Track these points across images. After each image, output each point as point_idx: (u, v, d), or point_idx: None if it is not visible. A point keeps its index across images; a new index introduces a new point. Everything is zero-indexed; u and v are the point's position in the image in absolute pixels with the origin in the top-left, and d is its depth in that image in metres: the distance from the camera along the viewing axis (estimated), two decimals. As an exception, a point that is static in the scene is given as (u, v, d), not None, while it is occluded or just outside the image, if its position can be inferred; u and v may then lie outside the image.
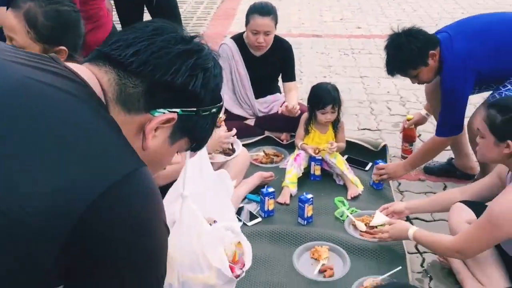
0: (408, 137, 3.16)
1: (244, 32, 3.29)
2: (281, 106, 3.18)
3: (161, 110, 0.89)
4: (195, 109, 0.92)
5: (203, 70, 0.92)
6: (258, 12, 3.10)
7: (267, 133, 3.35)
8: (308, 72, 4.84)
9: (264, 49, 3.23)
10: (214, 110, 0.97)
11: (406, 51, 2.50)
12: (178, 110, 0.90)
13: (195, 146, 1.02)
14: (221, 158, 2.63)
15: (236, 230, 1.70)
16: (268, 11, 3.13)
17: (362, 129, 3.67)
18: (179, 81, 0.89)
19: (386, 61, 2.63)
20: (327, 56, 5.35)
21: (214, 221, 1.82)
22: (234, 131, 2.64)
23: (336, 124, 2.96)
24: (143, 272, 0.81)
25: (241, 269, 1.59)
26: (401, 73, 2.63)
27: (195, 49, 0.93)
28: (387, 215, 2.43)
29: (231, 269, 1.57)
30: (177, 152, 0.99)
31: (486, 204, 2.07)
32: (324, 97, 2.86)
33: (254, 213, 2.58)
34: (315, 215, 2.56)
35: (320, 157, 2.87)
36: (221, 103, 1.01)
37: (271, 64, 3.31)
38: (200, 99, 0.93)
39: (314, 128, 2.93)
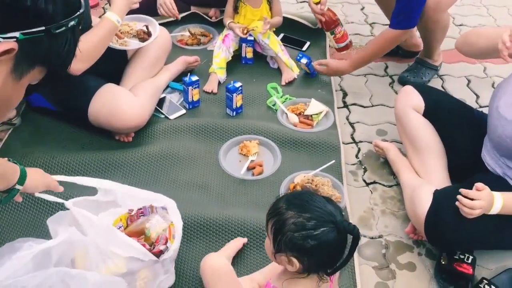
0: (328, 23, 2.41)
1: None
2: None
3: None
4: (43, 28, 0.71)
5: None
6: None
7: (193, 9, 2.96)
8: None
9: None
10: (72, 23, 0.77)
11: None
12: (16, 34, 0.69)
13: (55, 72, 0.83)
14: (134, 44, 2.26)
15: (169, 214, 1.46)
16: None
17: (301, 2, 3.32)
18: None
19: None
20: None
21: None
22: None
23: None
24: None
25: (165, 244, 1.35)
26: None
27: None
28: None
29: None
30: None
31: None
32: None
33: (178, 104, 2.32)
34: (246, 105, 2.33)
35: (252, 38, 2.56)
36: (81, 11, 0.79)
37: None
38: (49, 15, 0.71)
39: (244, 2, 2.56)
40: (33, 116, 2.18)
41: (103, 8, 3.23)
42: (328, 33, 2.43)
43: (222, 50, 2.50)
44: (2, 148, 2.02)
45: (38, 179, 1.32)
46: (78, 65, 1.90)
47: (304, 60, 2.48)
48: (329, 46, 2.73)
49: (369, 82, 2.60)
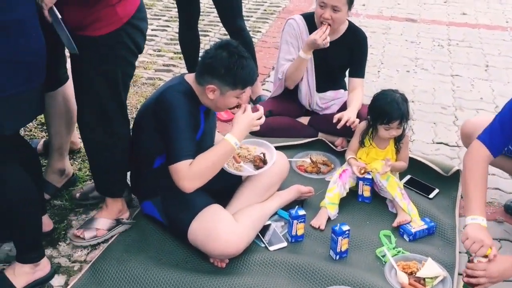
0: None
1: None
2: (337, 113, 2.74)
3: None
4: None
5: None
6: None
7: (320, 136, 2.99)
8: (390, 64, 4.32)
9: (334, 33, 2.83)
10: None
11: None
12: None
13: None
14: (248, 171, 2.31)
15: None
16: None
17: (437, 143, 3.16)
18: None
19: None
20: (417, 46, 4.76)
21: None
22: (261, 110, 2.21)
23: (399, 140, 2.52)
24: None
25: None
26: None
27: None
28: None
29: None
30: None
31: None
32: (390, 111, 2.40)
33: (281, 235, 2.26)
34: (352, 249, 2.19)
35: (370, 176, 2.46)
36: None
37: (340, 53, 2.91)
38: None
39: (371, 141, 2.51)
40: (143, 222, 2.29)
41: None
42: None
43: (337, 185, 2.43)
44: (106, 250, 2.14)
45: None
46: (191, 184, 1.99)
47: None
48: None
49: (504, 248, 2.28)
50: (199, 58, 2.13)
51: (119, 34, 1.94)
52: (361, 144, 2.54)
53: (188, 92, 2.08)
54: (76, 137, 2.79)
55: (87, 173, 2.65)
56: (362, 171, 2.44)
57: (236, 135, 2.10)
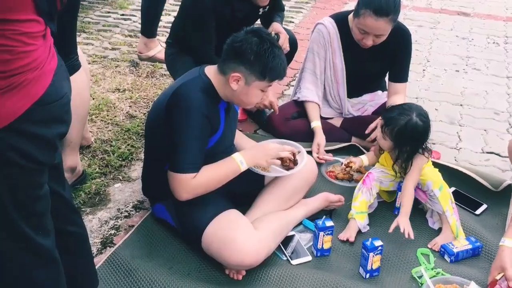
0: None
1: (350, 12, 2.84)
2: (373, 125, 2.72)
3: None
4: None
5: None
6: (373, 11, 2.57)
7: (353, 141, 2.94)
8: (437, 62, 4.23)
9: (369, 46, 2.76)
10: None
11: None
12: None
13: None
14: (277, 171, 2.28)
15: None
16: (387, 11, 2.57)
17: (488, 153, 3.07)
18: None
19: None
20: (469, 42, 4.65)
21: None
22: (296, 151, 2.28)
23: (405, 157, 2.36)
24: None
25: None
26: None
27: None
28: None
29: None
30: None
31: None
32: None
33: (305, 247, 2.23)
34: (385, 267, 2.14)
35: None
36: None
37: (380, 58, 2.84)
38: None
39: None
40: (153, 226, 2.29)
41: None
42: None
43: (362, 192, 2.38)
44: (113, 254, 2.15)
45: None
46: (188, 196, 2.02)
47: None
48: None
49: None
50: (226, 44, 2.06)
51: None
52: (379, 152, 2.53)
53: (207, 87, 2.06)
54: (87, 132, 2.83)
55: (96, 169, 2.68)
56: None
57: (246, 158, 2.09)
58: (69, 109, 1.44)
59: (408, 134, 2.31)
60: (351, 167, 2.59)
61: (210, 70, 2.10)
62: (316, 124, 2.85)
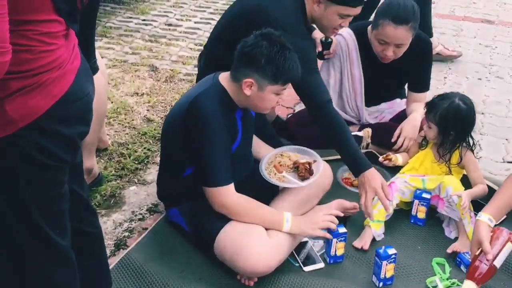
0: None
1: (370, 24, 2.82)
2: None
3: None
4: None
5: None
6: (392, 19, 2.56)
7: (371, 147, 2.92)
8: (459, 70, 4.19)
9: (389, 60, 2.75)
10: None
11: None
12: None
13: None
14: (294, 181, 2.26)
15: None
16: (406, 18, 2.56)
17: (509, 162, 3.03)
18: None
19: None
20: (492, 50, 4.60)
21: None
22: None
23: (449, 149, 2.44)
24: None
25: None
26: None
27: None
28: None
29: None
30: None
31: None
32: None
33: (318, 254, 2.22)
34: (399, 276, 2.12)
35: (428, 196, 2.38)
36: None
37: (398, 69, 2.81)
38: None
39: (430, 147, 2.49)
40: (166, 230, 2.31)
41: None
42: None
43: (381, 201, 2.37)
44: (126, 256, 2.17)
45: None
46: (228, 200, 2.03)
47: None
48: None
49: None
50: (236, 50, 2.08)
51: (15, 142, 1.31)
52: (421, 145, 2.54)
53: (222, 96, 2.06)
54: (105, 135, 2.86)
55: (112, 172, 2.71)
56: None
57: (294, 223, 2.09)
58: (91, 109, 1.48)
59: (451, 117, 2.34)
60: (390, 159, 2.59)
61: (224, 77, 2.10)
62: None
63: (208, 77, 2.16)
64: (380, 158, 2.63)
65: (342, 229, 2.18)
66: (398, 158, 2.60)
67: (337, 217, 2.39)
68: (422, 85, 2.86)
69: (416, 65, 2.80)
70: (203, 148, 2.01)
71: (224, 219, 2.07)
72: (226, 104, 2.06)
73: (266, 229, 2.09)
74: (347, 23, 2.37)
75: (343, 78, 2.92)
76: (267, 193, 2.33)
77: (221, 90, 2.07)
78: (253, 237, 2.03)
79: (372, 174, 2.22)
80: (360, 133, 2.81)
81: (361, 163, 2.27)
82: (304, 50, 2.25)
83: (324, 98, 2.34)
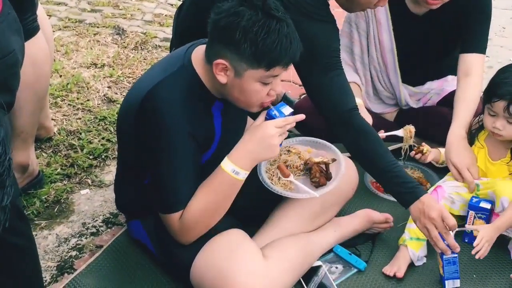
0: None
1: None
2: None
3: None
4: None
5: None
6: None
7: (412, 139, 2.88)
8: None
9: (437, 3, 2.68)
10: None
11: None
12: None
13: None
14: (304, 190, 2.19)
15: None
16: None
17: None
18: None
19: None
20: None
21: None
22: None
23: None
24: None
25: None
26: None
27: None
28: None
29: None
30: None
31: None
32: (500, 84, 2.35)
33: (335, 284, 2.20)
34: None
35: (488, 207, 2.35)
36: None
37: (443, 29, 2.79)
38: None
39: (481, 141, 2.47)
40: (127, 248, 2.32)
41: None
42: None
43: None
44: (71, 282, 2.16)
45: None
46: (186, 238, 2.03)
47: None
48: None
49: None
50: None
51: None
52: (468, 139, 2.51)
53: (192, 85, 1.96)
54: (48, 119, 2.85)
55: (57, 170, 2.71)
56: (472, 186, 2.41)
57: (239, 161, 1.97)
58: (17, 74, 1.47)
59: None
60: (422, 151, 2.59)
61: (198, 55, 2.00)
62: (358, 101, 2.71)
63: (179, 53, 2.06)
64: (412, 153, 2.64)
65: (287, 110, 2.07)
66: (441, 152, 2.62)
67: (364, 234, 2.38)
68: (476, 42, 2.75)
69: (468, 16, 2.72)
70: (159, 162, 1.97)
71: (199, 240, 2.05)
72: (198, 97, 1.98)
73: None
74: None
75: (369, 45, 2.91)
76: (267, 200, 2.30)
77: (191, 76, 1.97)
78: (241, 259, 2.01)
79: (427, 203, 2.11)
80: (399, 132, 2.73)
81: (408, 190, 2.16)
82: (320, 38, 2.18)
83: (345, 106, 2.27)
